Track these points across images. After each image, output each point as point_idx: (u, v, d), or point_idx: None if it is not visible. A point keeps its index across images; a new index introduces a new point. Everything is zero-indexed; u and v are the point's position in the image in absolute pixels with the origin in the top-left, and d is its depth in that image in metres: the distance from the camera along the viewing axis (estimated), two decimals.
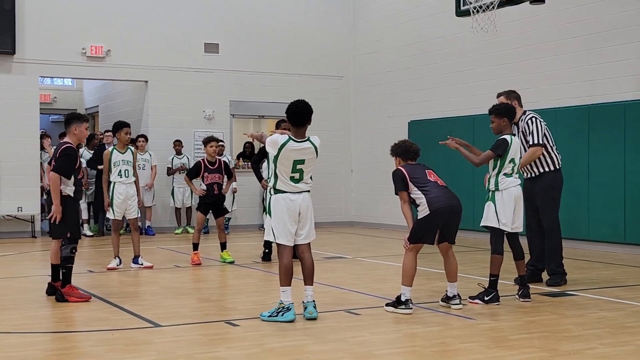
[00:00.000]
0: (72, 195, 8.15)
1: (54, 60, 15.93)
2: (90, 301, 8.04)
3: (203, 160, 11.43)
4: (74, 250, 8.13)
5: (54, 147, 8.42)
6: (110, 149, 10.90)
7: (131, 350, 5.98)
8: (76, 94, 21.69)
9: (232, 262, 11.21)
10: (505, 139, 8.01)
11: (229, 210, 14.36)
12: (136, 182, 10.92)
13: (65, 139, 8.35)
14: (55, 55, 15.91)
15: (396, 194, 7.54)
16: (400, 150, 7.69)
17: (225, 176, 11.46)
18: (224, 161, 11.74)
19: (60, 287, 8.11)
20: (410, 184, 7.44)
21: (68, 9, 16.05)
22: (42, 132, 16.69)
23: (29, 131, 15.74)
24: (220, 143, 14.88)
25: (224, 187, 11.38)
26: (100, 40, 16.29)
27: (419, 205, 7.44)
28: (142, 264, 10.78)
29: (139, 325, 6.93)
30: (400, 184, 7.48)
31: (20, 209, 15.40)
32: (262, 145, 9.26)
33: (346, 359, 5.73)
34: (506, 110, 8.23)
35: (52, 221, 8.09)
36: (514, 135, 8.19)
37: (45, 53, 15.78)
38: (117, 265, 10.65)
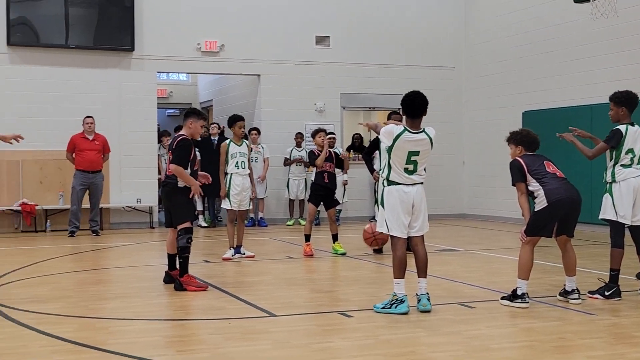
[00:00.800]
0: (183, 185, 8.37)
1: (170, 56, 16.38)
2: (207, 290, 8.24)
3: (314, 150, 11.54)
4: (189, 240, 8.35)
5: (169, 144, 8.69)
6: (227, 141, 11.12)
7: (248, 338, 6.09)
8: (191, 88, 22.25)
9: (343, 254, 11.26)
10: (619, 129, 7.72)
11: (340, 202, 14.43)
12: (250, 175, 11.12)
13: (181, 132, 8.59)
14: (172, 51, 16.36)
15: (513, 185, 7.39)
16: (525, 140, 7.50)
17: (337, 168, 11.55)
18: (335, 152, 11.80)
19: (178, 276, 8.35)
20: (528, 175, 7.27)
21: (184, 6, 16.47)
22: (163, 130, 17.22)
23: (147, 125, 16.26)
24: (332, 135, 14.95)
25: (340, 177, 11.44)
26: (215, 36, 16.65)
27: (536, 197, 7.26)
28: (244, 254, 10.97)
29: (254, 314, 7.05)
30: (518, 175, 7.32)
31: (139, 200, 15.94)
32: (372, 138, 9.29)
33: (461, 352, 5.66)
34: (627, 99, 7.88)
35: (191, 196, 8.35)
36: (632, 124, 7.83)
37: (162, 49, 16.25)
38: (232, 256, 10.86)
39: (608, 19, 11.27)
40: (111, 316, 6.99)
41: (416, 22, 18.17)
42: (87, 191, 14.47)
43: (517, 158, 7.43)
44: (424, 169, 7.07)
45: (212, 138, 16.15)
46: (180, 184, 8.34)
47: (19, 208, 14.89)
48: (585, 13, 12.03)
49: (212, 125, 16.43)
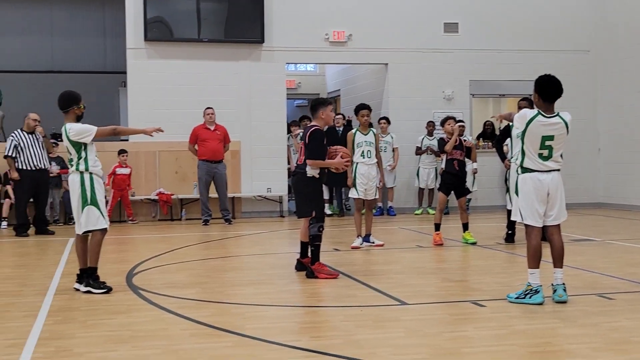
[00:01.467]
0: (316, 176, 8.47)
1: (299, 47, 16.60)
2: (338, 278, 8.32)
3: (443, 138, 11.43)
4: (321, 229, 8.45)
5: (302, 134, 8.82)
6: (353, 130, 11.18)
7: (379, 326, 6.12)
8: (319, 78, 22.44)
9: (474, 243, 11.11)
10: None
11: (470, 190, 14.23)
12: (379, 164, 11.12)
13: (313, 123, 8.68)
14: (300, 42, 16.56)
15: None
16: None
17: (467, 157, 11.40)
18: (464, 139, 11.63)
19: (309, 263, 8.47)
20: None
21: None
22: (291, 120, 17.46)
23: (277, 116, 16.55)
24: (461, 123, 14.78)
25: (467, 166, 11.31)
26: (342, 26, 16.73)
27: None
28: (373, 242, 10.99)
29: (385, 302, 7.07)
30: None
31: (269, 190, 16.25)
32: (503, 126, 9.08)
33: (600, 344, 5.48)
34: None
35: (295, 195, 8.51)
36: None
37: (291, 40, 16.49)
38: (361, 244, 10.92)
39: None
40: (246, 302, 7.17)
41: (547, 4, 17.64)
42: (212, 181, 14.86)
43: None
44: (561, 156, 6.87)
45: (337, 128, 16.25)
46: (309, 173, 8.45)
47: (156, 197, 15.50)
48: None
49: (337, 117, 16.52)
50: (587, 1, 17.88)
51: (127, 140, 16.01)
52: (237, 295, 7.57)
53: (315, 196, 8.60)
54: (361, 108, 11.12)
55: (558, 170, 6.88)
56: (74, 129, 7.65)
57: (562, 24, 17.69)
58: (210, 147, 14.78)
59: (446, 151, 11.24)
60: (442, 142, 11.41)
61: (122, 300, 7.23)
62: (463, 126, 15.68)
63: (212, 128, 14.91)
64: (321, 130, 8.56)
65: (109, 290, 7.60)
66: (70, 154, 7.74)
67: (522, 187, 6.86)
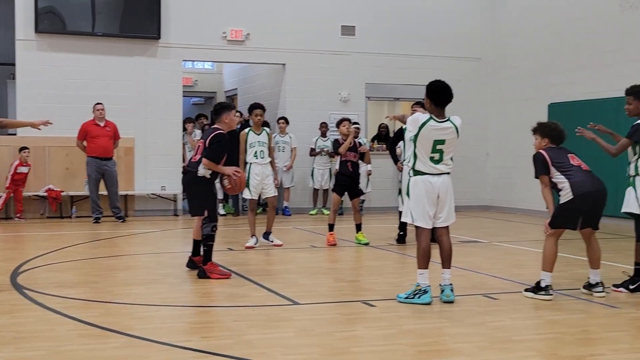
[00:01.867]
0: (207, 176, 8.42)
1: (196, 45, 16.44)
2: (231, 278, 8.29)
3: (338, 139, 11.54)
4: (214, 229, 8.41)
5: (203, 135, 8.77)
6: (246, 130, 11.14)
7: (271, 326, 6.13)
8: (216, 77, 22.30)
9: (367, 244, 11.27)
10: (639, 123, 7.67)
11: (364, 191, 14.44)
12: (272, 163, 11.13)
13: (217, 126, 8.60)
14: (198, 40, 16.41)
15: (537, 177, 7.37)
16: (554, 134, 7.47)
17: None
18: (359, 142, 11.79)
19: (201, 263, 8.41)
20: (552, 167, 7.25)
21: None
22: (186, 117, 17.24)
23: (172, 113, 16.33)
24: (356, 125, 14.98)
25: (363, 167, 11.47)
26: (240, 24, 16.67)
27: (561, 190, 7.23)
28: (272, 241, 11.01)
29: (278, 302, 7.09)
30: (541, 167, 7.30)
31: (163, 188, 16.03)
32: (397, 128, 9.27)
33: (485, 343, 5.66)
34: None
35: (224, 186, 8.47)
36: None
37: (188, 38, 16.31)
38: (255, 244, 10.91)
39: (638, 10, 11.15)
40: (136, 302, 7.06)
41: (443, 12, 18.08)
42: (102, 178, 14.56)
43: (540, 151, 7.41)
44: (451, 159, 7.07)
45: (237, 127, 16.16)
46: (200, 173, 8.39)
47: (45, 194, 15.04)
48: (615, 4, 11.90)
49: (236, 115, 16.44)
50: (480, 11, 18.42)
51: (14, 134, 15.47)
52: (127, 295, 7.44)
53: (207, 195, 8.54)
54: (255, 107, 11.10)
55: (448, 173, 7.06)
56: None
57: (456, 31, 18.16)
58: (100, 143, 14.46)
59: (340, 153, 11.36)
60: (336, 143, 11.52)
61: (6, 300, 6.99)
62: (358, 128, 15.90)
63: (102, 124, 14.59)
64: (225, 134, 8.52)
65: None
66: None
67: (413, 190, 7.02)
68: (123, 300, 7.10)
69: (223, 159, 8.44)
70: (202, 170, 8.38)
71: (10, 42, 16.38)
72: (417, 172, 7.00)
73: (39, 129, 8.10)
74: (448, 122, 6.99)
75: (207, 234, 8.38)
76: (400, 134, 11.03)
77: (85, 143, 14.52)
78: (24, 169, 14.59)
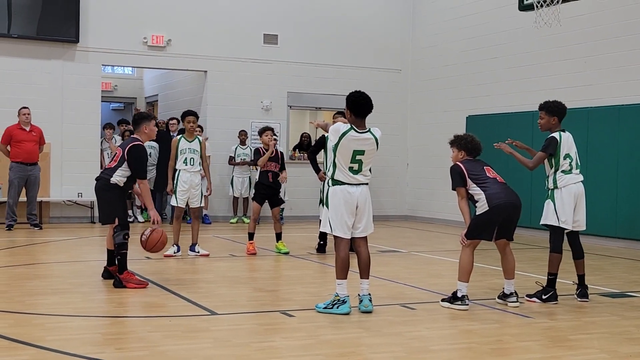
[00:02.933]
0: (119, 185, 8.29)
1: (116, 49, 16.16)
2: (148, 287, 8.15)
3: (261, 148, 11.50)
4: (126, 237, 8.27)
5: (121, 143, 8.62)
6: (178, 137, 11.00)
7: (188, 337, 6.04)
8: (136, 82, 21.99)
9: (286, 253, 11.26)
10: (553, 137, 7.91)
11: (283, 200, 14.42)
12: (205, 172, 11.03)
13: (135, 136, 8.46)
14: (118, 44, 16.14)
15: (454, 189, 7.49)
16: (470, 147, 7.60)
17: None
18: (281, 151, 11.78)
19: (117, 272, 8.25)
20: (468, 180, 7.38)
21: None
22: (106, 123, 16.92)
23: (90, 119, 16.01)
24: (275, 137, 15.10)
25: (280, 176, 11.44)
26: (162, 30, 16.48)
27: (477, 202, 7.37)
28: (198, 252, 10.89)
29: (195, 312, 7.00)
30: (458, 179, 7.43)
31: (80, 195, 15.66)
32: (318, 137, 9.31)
33: (402, 353, 5.70)
34: (559, 108, 8.07)
35: (100, 209, 8.37)
36: (564, 131, 8.02)
37: (107, 42, 16.02)
38: (175, 253, 10.77)
39: (552, 27, 11.47)
40: (49, 312, 6.87)
41: (365, 23, 18.26)
42: (25, 184, 14.18)
43: (457, 163, 7.54)
44: (369, 170, 7.11)
45: (172, 133, 15.94)
46: (113, 180, 8.24)
47: None
48: (529, 21, 12.20)
49: (172, 122, 16.22)
50: (399, 23, 18.67)
51: None
52: (39, 305, 7.24)
53: (119, 203, 8.39)
54: (187, 114, 10.98)
55: (367, 184, 7.11)
56: None
57: (377, 43, 18.36)
58: (26, 148, 14.07)
59: (259, 165, 11.33)
60: (257, 152, 11.47)
61: None
62: (276, 140, 15.93)
63: (28, 129, 14.20)
64: (143, 146, 8.39)
65: None
66: None
67: (332, 199, 7.03)
68: (34, 311, 6.90)
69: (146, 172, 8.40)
70: (116, 178, 8.23)
71: None
72: (336, 182, 7.02)
73: None
74: (368, 133, 7.03)
75: (120, 243, 8.23)
76: (321, 143, 11.06)
77: (9, 147, 14.10)
78: None
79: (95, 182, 8.54)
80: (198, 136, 11.02)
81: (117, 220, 8.25)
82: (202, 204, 11.02)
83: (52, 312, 6.88)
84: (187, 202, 10.85)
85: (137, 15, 16.27)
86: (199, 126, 16.31)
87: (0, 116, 14.59)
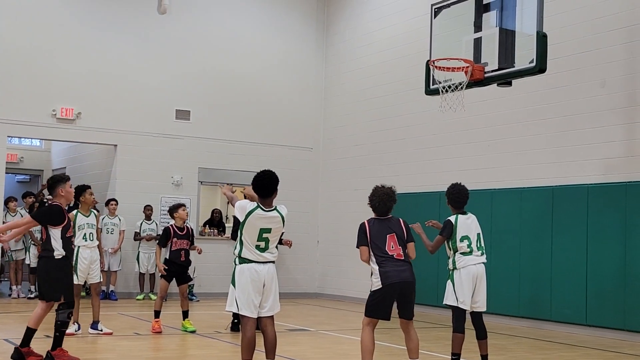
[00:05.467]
0: (63, 256, 8.09)
1: (23, 121, 15.86)
2: None
3: (172, 226, 11.38)
4: (70, 315, 8.15)
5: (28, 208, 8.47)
6: (74, 212, 10.76)
7: None
8: (44, 154, 21.55)
9: (193, 332, 11.06)
10: (449, 220, 8.18)
11: (192, 277, 14.23)
12: (99, 246, 10.81)
13: (53, 200, 8.29)
14: (25, 116, 15.85)
15: (357, 247, 7.47)
16: (377, 205, 7.59)
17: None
18: (191, 228, 11.69)
19: (50, 349, 8.08)
20: (370, 243, 7.38)
21: (40, 71, 16.07)
22: (9, 196, 16.45)
23: None
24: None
25: (196, 249, 11.39)
26: (71, 103, 16.29)
27: (372, 275, 7.40)
28: (101, 330, 10.59)
29: None
30: (362, 238, 7.43)
31: None
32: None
33: None
34: (451, 194, 8.41)
35: (39, 279, 8.11)
36: (464, 213, 8.27)
37: (14, 113, 15.72)
38: (76, 331, 10.44)
39: (456, 112, 11.87)
40: None
41: (278, 102, 18.51)
42: None
43: (365, 222, 7.55)
44: (276, 247, 7.12)
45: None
46: (57, 255, 8.04)
47: None
48: (435, 105, 12.59)
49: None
50: (312, 103, 19.00)
51: None
52: None
53: (65, 279, 8.19)
54: (87, 187, 10.78)
55: (273, 262, 7.10)
56: None
57: (290, 121, 18.61)
58: None
59: (164, 247, 11.28)
60: (166, 232, 11.32)
61: None
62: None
63: None
64: (61, 205, 8.20)
65: None
66: None
67: (239, 278, 6.99)
68: None
69: (46, 223, 8.11)
70: (57, 249, 8.04)
71: None
72: (243, 260, 6.99)
73: None
74: (274, 211, 7.08)
75: (63, 320, 8.11)
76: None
77: None
78: None
79: (38, 260, 8.31)
80: (93, 210, 10.81)
81: (62, 297, 8.05)
82: (102, 279, 10.77)
83: None
84: (87, 279, 10.60)
85: (47, 87, 16.07)
86: (115, 200, 16.13)
87: None
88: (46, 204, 8.34)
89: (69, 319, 8.11)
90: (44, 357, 8.09)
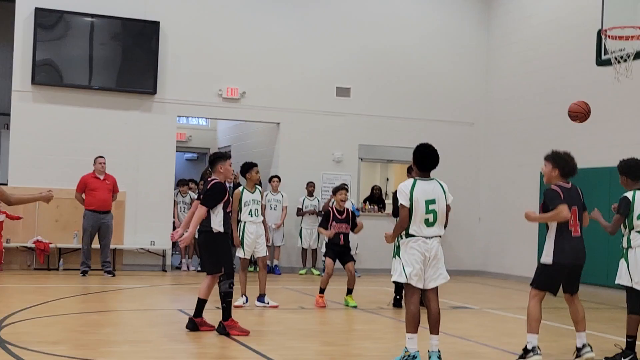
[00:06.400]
0: (222, 230, 8.39)
1: (191, 101, 16.52)
2: (220, 338, 8.16)
3: (332, 208, 11.50)
4: (232, 285, 8.43)
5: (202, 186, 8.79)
6: (240, 189, 11.10)
7: None
8: (210, 133, 22.36)
9: (355, 307, 11.15)
10: (625, 196, 7.70)
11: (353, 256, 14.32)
12: (264, 221, 11.09)
13: (213, 176, 8.60)
14: (193, 96, 16.50)
15: (552, 208, 7.17)
16: (564, 166, 7.39)
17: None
18: (352, 211, 11.74)
19: (222, 320, 8.43)
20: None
21: (207, 52, 16.64)
22: (180, 179, 17.24)
23: (165, 168, 16.32)
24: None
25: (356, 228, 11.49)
26: (236, 82, 16.79)
27: (545, 243, 7.20)
28: (267, 303, 10.87)
29: None
30: (556, 199, 7.19)
31: (153, 243, 15.90)
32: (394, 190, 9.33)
33: None
34: (627, 167, 7.89)
35: (180, 243, 8.42)
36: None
37: (183, 93, 16.39)
38: (244, 304, 10.78)
39: (630, 82, 11.27)
40: None
41: (438, 76, 18.25)
42: (97, 231, 14.49)
43: (555, 188, 7.32)
44: (443, 224, 7.01)
45: (228, 185, 16.11)
46: (215, 229, 8.34)
47: (33, 245, 14.89)
48: (608, 74, 12.00)
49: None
50: (473, 77, 18.60)
51: (5, 184, 15.39)
52: (111, 354, 7.30)
53: (224, 252, 8.49)
54: (254, 165, 11.08)
55: (440, 236, 7.00)
56: None
57: (450, 96, 18.32)
58: (99, 196, 14.43)
59: (321, 232, 11.42)
60: (327, 215, 11.46)
61: None
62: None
63: (102, 177, 14.57)
64: (221, 182, 8.50)
65: None
66: None
67: (404, 250, 6.93)
68: (107, 358, 6.95)
69: (216, 205, 8.35)
70: (216, 224, 8.32)
71: (5, 92, 16.43)
72: (409, 235, 6.93)
73: (47, 203, 8.10)
74: (434, 181, 7.00)
75: (226, 291, 8.41)
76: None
77: (84, 196, 14.46)
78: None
79: (199, 235, 8.68)
80: (258, 187, 11.09)
81: (222, 269, 8.36)
82: (267, 253, 11.08)
83: None
84: (253, 253, 10.91)
85: (213, 68, 16.63)
86: (278, 177, 16.52)
87: (80, 164, 14.99)
88: (207, 181, 8.59)
89: (231, 289, 8.38)
90: (217, 327, 8.40)
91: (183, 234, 8.50)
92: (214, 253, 8.45)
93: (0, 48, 19.54)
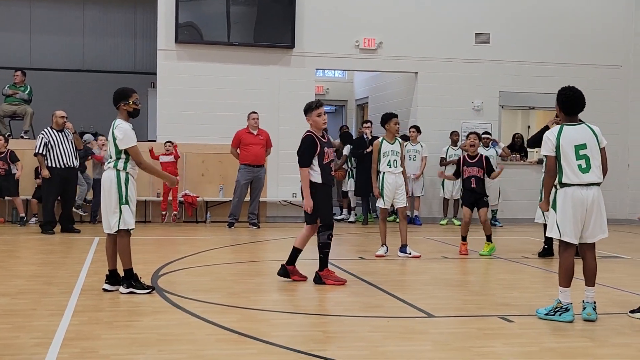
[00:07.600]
0: (319, 182, 8.40)
1: (329, 53, 16.58)
2: (362, 287, 8.25)
3: (463, 157, 11.41)
4: (330, 237, 8.42)
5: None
6: (379, 139, 11.09)
7: (407, 338, 6.05)
8: (347, 85, 22.39)
9: (489, 254, 11.01)
10: None
11: (489, 204, 14.00)
12: (403, 172, 11.05)
13: (307, 131, 8.58)
14: (330, 48, 16.55)
15: None
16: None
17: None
18: (486, 156, 11.52)
19: (318, 270, 8.46)
20: None
21: (344, 3, 16.62)
22: None
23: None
24: (486, 135, 15.14)
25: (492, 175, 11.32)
26: (373, 33, 16.70)
27: None
28: (409, 253, 10.88)
29: (413, 314, 6.99)
30: None
31: (294, 195, 16.19)
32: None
33: None
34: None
35: (307, 211, 8.43)
36: None
37: (321, 46, 16.48)
38: (385, 253, 10.84)
39: None
40: (271, 308, 7.12)
41: (581, 18, 17.50)
42: (250, 185, 14.89)
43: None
44: (601, 170, 6.73)
45: (365, 137, 16.15)
46: (315, 180, 8.37)
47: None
48: None
49: (366, 125, 16.45)
50: (621, 17, 17.72)
51: (154, 141, 16.01)
52: (262, 301, 7.53)
53: (321, 203, 8.44)
54: (393, 116, 11.03)
55: (598, 184, 6.73)
56: (120, 130, 7.55)
57: (595, 38, 17.53)
58: (253, 151, 14.81)
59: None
60: (459, 160, 11.36)
61: (147, 303, 7.21)
62: (487, 138, 15.72)
63: (255, 132, 14.93)
64: (310, 135, 8.45)
65: (152, 290, 7.61)
66: (110, 150, 7.66)
67: (560, 202, 6.70)
68: (258, 307, 7.18)
69: (310, 161, 8.38)
70: (314, 175, 8.36)
71: (151, 52, 17.04)
72: (564, 185, 6.69)
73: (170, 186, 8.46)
74: (583, 125, 6.72)
75: (324, 242, 8.41)
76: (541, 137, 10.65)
77: (238, 150, 14.88)
78: (166, 158, 14.98)
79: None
80: (398, 138, 11.03)
81: (319, 220, 8.40)
82: (407, 204, 11.05)
83: (275, 308, 7.13)
84: (392, 203, 10.91)
85: (350, 19, 16.60)
86: (417, 128, 16.40)
87: (222, 120, 15.43)
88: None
89: (330, 240, 8.36)
90: (314, 277, 8.46)
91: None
92: (313, 204, 8.39)
93: (144, 11, 20.23)
